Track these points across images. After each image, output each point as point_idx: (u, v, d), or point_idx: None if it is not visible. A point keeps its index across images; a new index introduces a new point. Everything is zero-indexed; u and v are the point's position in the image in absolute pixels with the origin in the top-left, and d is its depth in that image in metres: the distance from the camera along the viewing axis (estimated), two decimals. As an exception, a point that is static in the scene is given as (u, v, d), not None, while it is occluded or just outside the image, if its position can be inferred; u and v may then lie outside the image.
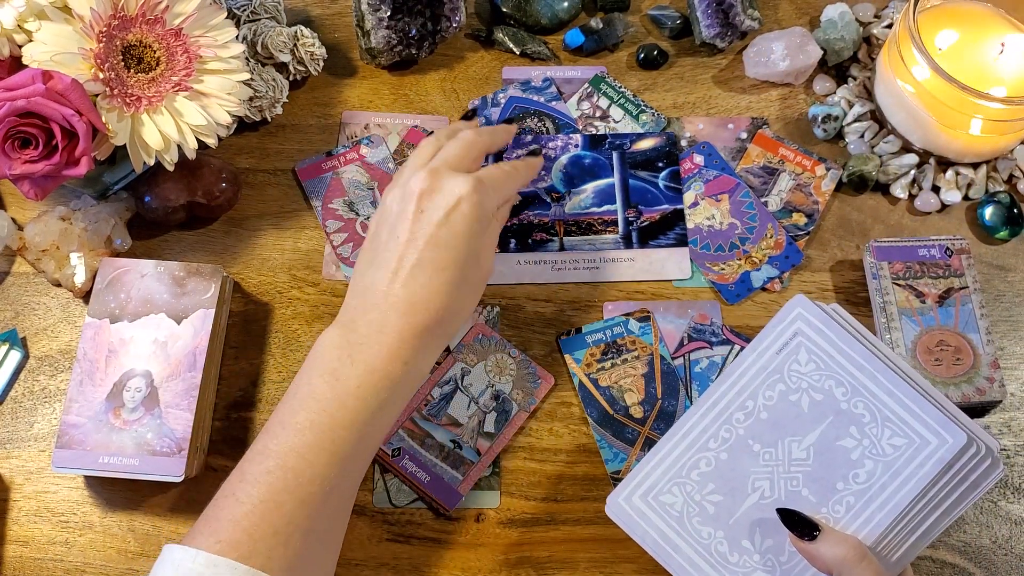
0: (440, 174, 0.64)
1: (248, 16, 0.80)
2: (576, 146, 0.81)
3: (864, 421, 0.56)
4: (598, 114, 0.82)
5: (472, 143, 0.68)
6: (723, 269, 0.76)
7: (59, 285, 0.74)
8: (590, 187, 0.79)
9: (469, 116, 0.82)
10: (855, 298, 0.75)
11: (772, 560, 0.57)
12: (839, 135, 0.82)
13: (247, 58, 0.78)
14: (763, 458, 0.58)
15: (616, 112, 0.82)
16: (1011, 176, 0.80)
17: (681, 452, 0.60)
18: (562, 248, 0.77)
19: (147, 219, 0.76)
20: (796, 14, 0.88)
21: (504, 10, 0.85)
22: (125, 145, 0.67)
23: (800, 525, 0.55)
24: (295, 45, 0.81)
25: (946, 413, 0.55)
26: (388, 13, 0.80)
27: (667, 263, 0.76)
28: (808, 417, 0.57)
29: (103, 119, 0.65)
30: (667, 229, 0.77)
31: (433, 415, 0.71)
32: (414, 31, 0.81)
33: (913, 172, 0.79)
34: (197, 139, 0.70)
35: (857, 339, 0.58)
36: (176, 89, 0.69)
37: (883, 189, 0.80)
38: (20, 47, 0.66)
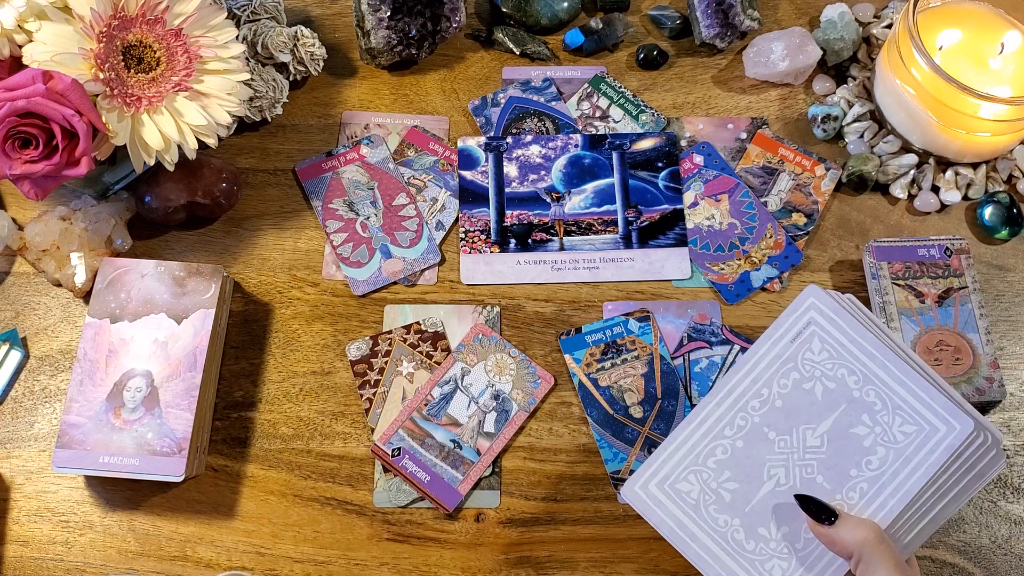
0: None
1: (248, 16, 0.80)
2: (576, 146, 0.81)
3: (876, 409, 0.57)
4: (598, 114, 0.82)
5: None
6: (723, 269, 0.76)
7: (59, 285, 0.74)
8: (590, 187, 0.79)
9: None
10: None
11: (788, 547, 0.57)
12: (839, 135, 0.82)
13: (247, 58, 0.78)
14: (778, 446, 0.59)
15: (616, 112, 0.82)
16: (1011, 176, 0.80)
17: (697, 440, 0.60)
18: (562, 248, 0.77)
19: (147, 219, 0.76)
20: (796, 14, 0.88)
21: (504, 10, 0.85)
22: (125, 145, 0.67)
23: (818, 510, 0.55)
24: (295, 45, 0.81)
25: (954, 401, 0.56)
26: (388, 13, 0.80)
27: (667, 263, 0.76)
28: (822, 405, 0.58)
29: (103, 119, 0.65)
30: (667, 229, 0.78)
31: (433, 415, 0.71)
32: (414, 31, 0.81)
33: (913, 172, 0.79)
34: (197, 139, 0.70)
35: (868, 328, 0.59)
36: (176, 89, 0.69)
37: (883, 189, 0.80)
38: (20, 47, 0.66)
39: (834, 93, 0.83)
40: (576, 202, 0.79)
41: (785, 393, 0.59)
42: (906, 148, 0.80)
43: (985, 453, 0.56)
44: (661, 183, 0.79)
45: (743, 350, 0.72)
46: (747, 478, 0.59)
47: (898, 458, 0.56)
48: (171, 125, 0.68)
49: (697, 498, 0.59)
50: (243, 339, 0.74)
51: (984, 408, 0.71)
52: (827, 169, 0.79)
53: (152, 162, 0.68)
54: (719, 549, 0.58)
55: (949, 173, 0.79)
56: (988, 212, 0.77)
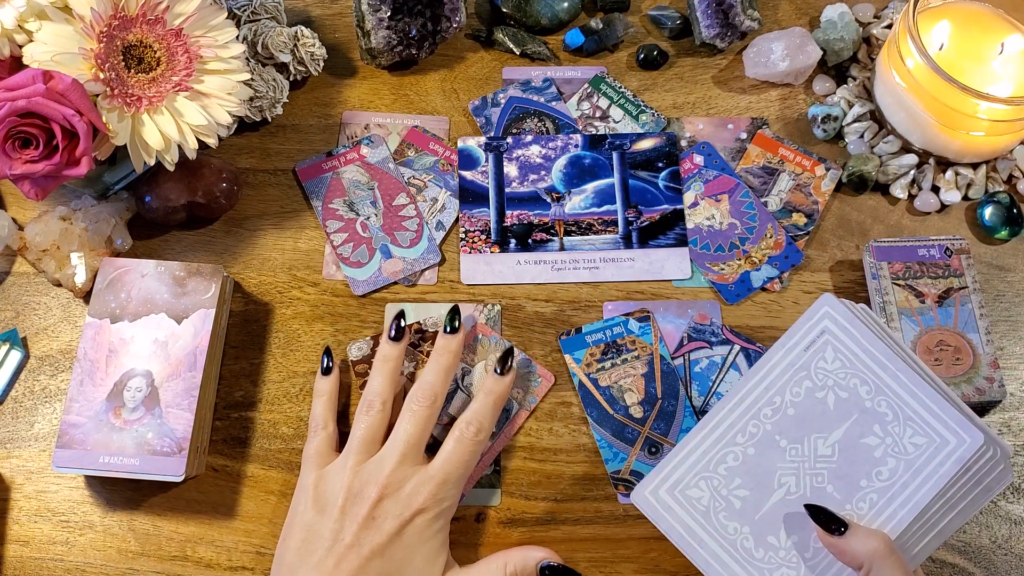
0: (399, 477, 0.61)
1: (248, 16, 0.80)
2: (576, 146, 0.81)
3: (887, 419, 0.57)
4: (598, 114, 0.82)
5: (428, 419, 0.64)
6: (723, 269, 0.76)
7: (60, 285, 0.74)
8: (590, 187, 0.79)
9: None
10: (855, 298, 0.75)
11: (797, 556, 0.57)
12: (839, 135, 0.82)
13: (247, 58, 0.78)
14: (789, 454, 0.59)
15: (616, 112, 0.82)
16: (1011, 176, 0.80)
17: (709, 446, 0.60)
18: (562, 248, 0.77)
19: (147, 219, 0.76)
20: (796, 14, 0.88)
21: (504, 10, 0.85)
22: (125, 145, 0.67)
23: (828, 520, 0.55)
24: (295, 45, 0.81)
25: (964, 414, 0.56)
26: (388, 13, 0.80)
27: (667, 263, 0.76)
28: (833, 414, 0.58)
29: (104, 119, 0.66)
30: (667, 229, 0.78)
31: (433, 415, 0.71)
32: (414, 31, 0.81)
33: (913, 172, 0.79)
34: (197, 139, 0.70)
35: (881, 339, 0.59)
36: (176, 89, 0.69)
37: (883, 189, 0.80)
38: (21, 47, 0.66)
39: (834, 93, 0.83)
40: (576, 202, 0.79)
41: (797, 401, 0.59)
42: (906, 148, 0.80)
43: (993, 467, 0.56)
44: (661, 183, 0.79)
45: (744, 350, 0.72)
46: (758, 486, 0.59)
47: (908, 469, 0.56)
48: (171, 125, 0.68)
49: (707, 505, 0.59)
50: (243, 339, 0.74)
51: (984, 408, 0.71)
52: (827, 169, 0.79)
53: (152, 162, 0.68)
54: (728, 556, 0.58)
55: (949, 173, 0.79)
56: (988, 212, 0.77)
